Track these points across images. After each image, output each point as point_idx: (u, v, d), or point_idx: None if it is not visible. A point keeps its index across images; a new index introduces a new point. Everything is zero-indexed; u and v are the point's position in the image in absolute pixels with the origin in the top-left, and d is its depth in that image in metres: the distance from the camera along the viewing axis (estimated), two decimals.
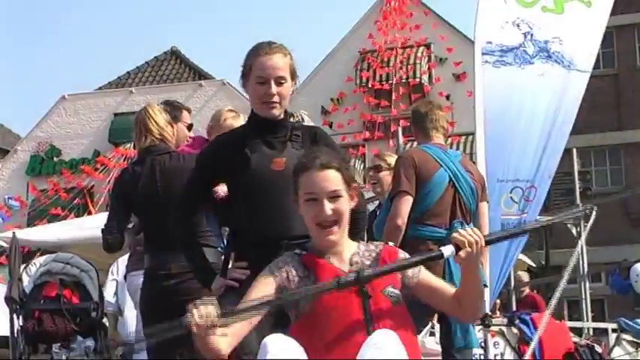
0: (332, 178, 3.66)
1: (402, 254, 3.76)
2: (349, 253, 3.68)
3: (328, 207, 3.62)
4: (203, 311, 3.37)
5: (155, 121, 5.78)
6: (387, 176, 7.43)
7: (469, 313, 3.69)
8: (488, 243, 3.56)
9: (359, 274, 3.45)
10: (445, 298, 3.66)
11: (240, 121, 6.39)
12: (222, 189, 5.82)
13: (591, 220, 3.73)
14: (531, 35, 9.31)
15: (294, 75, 4.47)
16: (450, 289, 3.70)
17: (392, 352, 3.25)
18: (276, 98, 4.35)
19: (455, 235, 3.50)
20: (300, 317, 3.58)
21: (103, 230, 5.86)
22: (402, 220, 6.00)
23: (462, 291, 3.62)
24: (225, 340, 3.45)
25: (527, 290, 15.50)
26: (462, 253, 3.46)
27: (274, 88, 4.33)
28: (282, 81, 4.37)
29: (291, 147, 4.37)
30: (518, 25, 9.31)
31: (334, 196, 3.64)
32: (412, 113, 6.85)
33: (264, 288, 3.60)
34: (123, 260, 8.10)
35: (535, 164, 9.32)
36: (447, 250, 3.51)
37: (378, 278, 3.50)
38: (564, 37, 9.31)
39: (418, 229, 6.07)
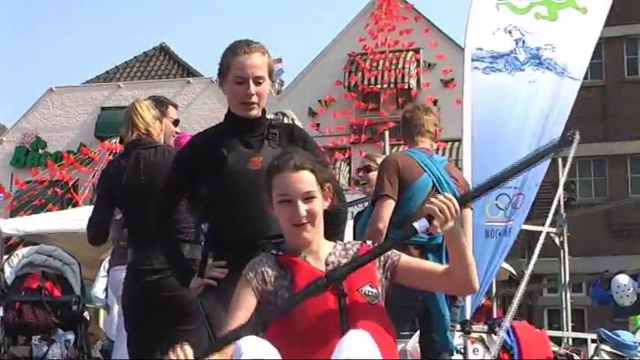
0: (306, 180, 3.66)
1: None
2: (325, 253, 3.69)
3: (302, 208, 3.63)
4: (181, 355, 3.46)
5: (141, 117, 5.76)
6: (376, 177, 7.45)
7: (461, 285, 3.67)
8: (462, 202, 3.50)
9: (328, 275, 3.45)
10: (434, 277, 3.65)
11: None
12: None
13: (572, 152, 3.69)
14: (523, 42, 9.31)
15: (271, 74, 4.43)
16: (437, 267, 3.70)
17: (365, 353, 3.24)
18: (254, 98, 4.30)
19: (425, 206, 3.45)
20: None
21: (88, 223, 5.86)
22: (384, 224, 6.00)
23: (451, 264, 3.62)
24: None
25: (483, 299, 15.47)
26: (435, 222, 3.43)
27: (253, 88, 4.28)
28: (261, 80, 4.31)
29: (268, 145, 4.33)
30: (510, 32, 9.32)
31: (308, 197, 3.65)
32: (401, 118, 6.87)
33: (245, 299, 3.63)
34: None
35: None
36: (420, 223, 3.48)
37: (350, 274, 3.48)
38: (557, 44, 9.31)
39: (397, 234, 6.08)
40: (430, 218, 3.44)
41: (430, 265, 3.70)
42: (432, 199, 3.44)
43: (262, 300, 3.63)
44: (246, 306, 3.61)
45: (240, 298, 3.65)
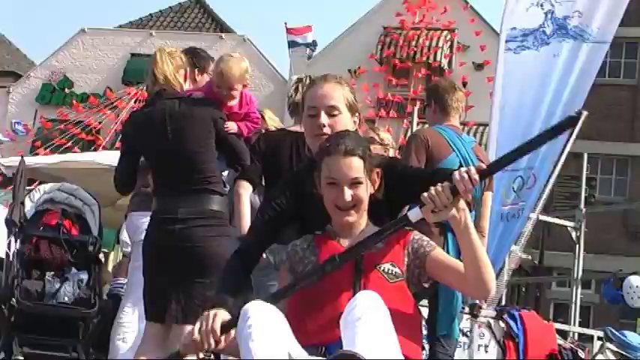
0: (355, 166, 3.66)
1: (417, 235, 3.74)
2: (363, 234, 3.69)
3: (348, 193, 3.65)
4: (206, 325, 3.46)
5: (159, 67, 5.71)
6: (377, 150, 7.36)
7: (474, 286, 3.58)
8: (454, 193, 3.39)
9: (332, 257, 3.50)
10: (458, 277, 3.60)
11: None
12: (232, 126, 5.83)
13: (577, 129, 3.59)
14: (552, 13, 9.25)
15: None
16: (461, 266, 3.62)
17: (373, 307, 3.27)
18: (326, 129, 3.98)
19: (424, 196, 3.42)
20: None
21: (115, 171, 5.87)
22: None
23: (463, 261, 3.58)
24: None
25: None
26: (424, 209, 3.42)
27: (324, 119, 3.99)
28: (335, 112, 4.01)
29: None
30: (541, 5, 9.26)
31: (354, 183, 3.66)
32: (433, 88, 6.76)
33: (282, 284, 3.74)
34: None
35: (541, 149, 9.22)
36: (413, 212, 3.47)
37: (351, 258, 3.52)
38: (584, 10, 9.24)
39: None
40: (422, 206, 3.44)
41: (456, 263, 3.63)
42: (431, 189, 3.41)
43: (292, 270, 3.73)
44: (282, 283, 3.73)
45: (280, 283, 3.78)
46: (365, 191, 3.69)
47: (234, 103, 5.97)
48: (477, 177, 3.42)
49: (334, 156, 3.67)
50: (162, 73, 5.67)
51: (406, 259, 3.64)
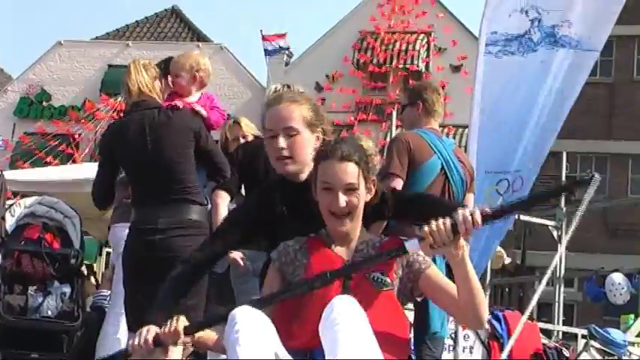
0: (350, 172, 3.65)
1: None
2: (357, 241, 3.69)
3: (342, 199, 3.63)
4: (171, 326, 3.50)
5: (134, 78, 5.70)
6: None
7: (469, 315, 3.55)
8: (454, 232, 3.37)
9: (323, 273, 3.48)
10: (451, 301, 3.56)
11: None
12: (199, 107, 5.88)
13: (591, 190, 3.53)
14: (539, 21, 9.24)
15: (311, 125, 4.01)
16: (455, 290, 3.57)
17: (350, 315, 3.27)
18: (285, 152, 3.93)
19: (425, 231, 3.39)
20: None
21: (93, 186, 5.84)
22: None
23: (457, 291, 3.54)
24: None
25: None
26: (423, 243, 3.40)
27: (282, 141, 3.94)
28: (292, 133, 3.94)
29: None
30: (526, 12, 9.23)
31: (349, 189, 3.65)
32: (421, 88, 6.73)
33: (271, 280, 3.74)
34: None
35: (526, 153, 9.26)
36: (410, 243, 3.45)
37: (342, 277, 3.50)
38: (574, 19, 9.24)
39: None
40: (421, 239, 3.41)
41: (450, 286, 3.59)
42: (433, 223, 3.39)
43: (285, 277, 3.71)
44: (270, 286, 3.70)
45: (267, 280, 3.76)
46: (360, 198, 3.67)
47: (193, 99, 6.01)
48: (480, 220, 3.39)
49: (330, 160, 3.66)
50: (136, 84, 5.65)
51: (399, 271, 3.63)
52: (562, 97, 9.19)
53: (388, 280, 3.58)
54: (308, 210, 3.77)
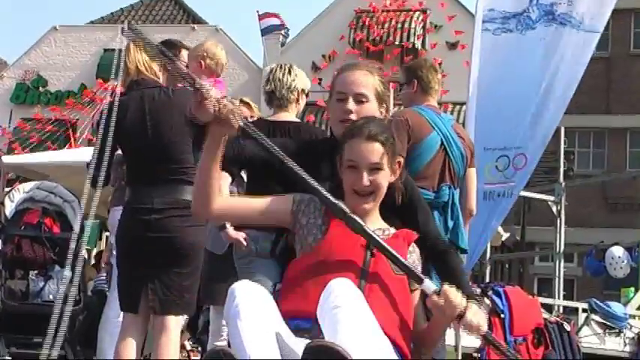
0: (375, 151, 3.66)
1: (416, 252, 3.78)
2: (373, 226, 3.66)
3: (366, 178, 3.64)
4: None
5: (131, 56, 5.67)
6: None
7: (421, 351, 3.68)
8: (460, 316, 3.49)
9: (355, 219, 3.52)
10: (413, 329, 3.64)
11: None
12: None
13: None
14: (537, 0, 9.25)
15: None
16: (420, 320, 3.68)
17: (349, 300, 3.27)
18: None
19: (446, 290, 3.49)
20: (301, 254, 3.65)
21: (88, 165, 5.82)
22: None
23: (427, 331, 3.65)
24: (220, 196, 3.69)
25: None
26: (434, 300, 3.48)
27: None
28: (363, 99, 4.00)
29: None
30: None
31: (374, 169, 3.66)
32: (415, 66, 6.71)
33: (278, 198, 3.74)
34: None
35: (528, 131, 9.26)
36: (428, 283, 3.54)
37: (367, 238, 3.53)
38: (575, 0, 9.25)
39: None
40: (436, 294, 3.51)
41: (419, 318, 3.68)
42: (453, 293, 3.49)
43: (293, 223, 3.71)
44: (271, 199, 3.74)
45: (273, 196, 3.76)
46: (384, 178, 3.69)
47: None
48: (483, 331, 3.52)
49: (357, 139, 3.67)
50: (134, 62, 5.63)
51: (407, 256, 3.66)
52: (568, 76, 9.21)
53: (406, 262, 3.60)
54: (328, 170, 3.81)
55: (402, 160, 3.82)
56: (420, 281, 3.54)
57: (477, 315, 3.50)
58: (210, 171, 3.64)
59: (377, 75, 4.03)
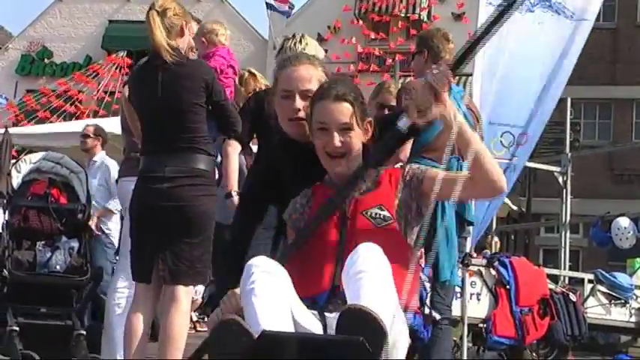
0: (345, 111, 3.66)
1: (408, 168, 3.73)
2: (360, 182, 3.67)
3: (337, 139, 3.65)
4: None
5: (157, 38, 5.67)
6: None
7: (487, 187, 3.51)
8: (431, 89, 3.31)
9: (330, 199, 3.54)
10: (464, 184, 3.47)
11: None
12: None
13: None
14: None
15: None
16: (461, 174, 3.55)
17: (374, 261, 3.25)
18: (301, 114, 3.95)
19: (407, 104, 3.42)
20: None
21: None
22: (404, 154, 5.88)
23: (469, 164, 3.48)
24: None
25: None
26: (409, 113, 3.37)
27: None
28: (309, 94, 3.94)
29: None
30: None
31: (345, 129, 3.66)
32: (427, 36, 6.68)
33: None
34: None
35: (529, 111, 9.35)
36: (402, 122, 3.43)
37: (347, 194, 3.53)
38: None
39: (416, 162, 5.99)
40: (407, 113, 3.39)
41: (456, 174, 3.61)
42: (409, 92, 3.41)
43: (294, 226, 3.76)
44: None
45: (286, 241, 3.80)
46: (356, 138, 3.68)
47: None
48: (446, 69, 3.36)
49: (325, 101, 3.68)
50: (156, 39, 5.58)
51: (400, 195, 3.64)
52: (563, 67, 9.30)
53: (387, 214, 3.58)
54: (316, 170, 3.78)
55: (371, 119, 3.80)
56: (398, 132, 3.44)
57: (430, 71, 3.36)
58: None
59: (319, 66, 4.01)
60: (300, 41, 6.24)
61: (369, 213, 3.57)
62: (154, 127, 5.61)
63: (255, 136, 6.23)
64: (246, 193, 4.26)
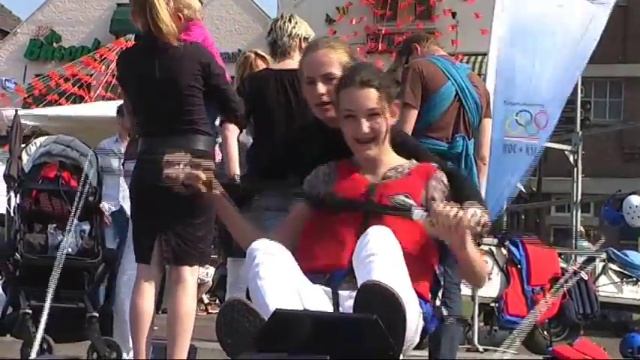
0: (371, 97, 3.67)
1: (441, 174, 3.72)
2: (386, 167, 3.71)
3: (365, 125, 3.66)
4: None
5: (162, 18, 5.67)
6: None
7: (463, 275, 3.72)
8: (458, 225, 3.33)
9: (366, 203, 3.57)
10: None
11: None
12: None
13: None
14: None
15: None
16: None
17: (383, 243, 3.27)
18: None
19: (435, 207, 3.37)
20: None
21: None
22: (409, 128, 5.90)
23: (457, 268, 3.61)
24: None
25: None
26: (428, 221, 3.37)
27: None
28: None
29: None
30: None
31: (372, 114, 3.67)
32: (407, 40, 6.77)
33: (296, 208, 3.79)
34: None
35: (550, 90, 9.35)
36: (418, 213, 3.44)
37: (378, 213, 3.53)
38: None
39: (420, 142, 6.00)
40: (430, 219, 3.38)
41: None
42: (442, 208, 3.33)
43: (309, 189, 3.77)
44: (294, 215, 3.77)
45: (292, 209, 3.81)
46: (383, 123, 3.69)
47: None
48: (479, 230, 3.38)
49: (350, 88, 3.69)
50: (164, 23, 5.58)
51: (424, 192, 3.64)
52: (582, 49, 9.32)
53: (413, 202, 3.57)
54: (344, 155, 3.81)
55: (398, 102, 3.84)
56: (409, 215, 3.47)
57: (473, 208, 3.36)
58: (236, 225, 3.80)
59: (339, 47, 4.05)
60: (290, 20, 6.24)
61: (394, 199, 3.59)
62: (153, 109, 5.60)
63: (252, 117, 6.19)
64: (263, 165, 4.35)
